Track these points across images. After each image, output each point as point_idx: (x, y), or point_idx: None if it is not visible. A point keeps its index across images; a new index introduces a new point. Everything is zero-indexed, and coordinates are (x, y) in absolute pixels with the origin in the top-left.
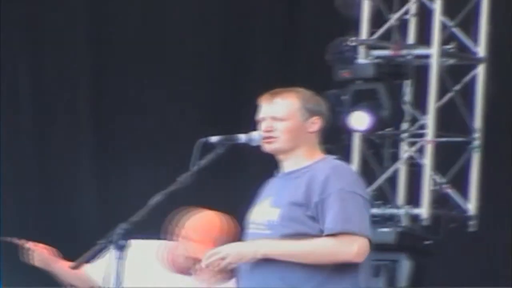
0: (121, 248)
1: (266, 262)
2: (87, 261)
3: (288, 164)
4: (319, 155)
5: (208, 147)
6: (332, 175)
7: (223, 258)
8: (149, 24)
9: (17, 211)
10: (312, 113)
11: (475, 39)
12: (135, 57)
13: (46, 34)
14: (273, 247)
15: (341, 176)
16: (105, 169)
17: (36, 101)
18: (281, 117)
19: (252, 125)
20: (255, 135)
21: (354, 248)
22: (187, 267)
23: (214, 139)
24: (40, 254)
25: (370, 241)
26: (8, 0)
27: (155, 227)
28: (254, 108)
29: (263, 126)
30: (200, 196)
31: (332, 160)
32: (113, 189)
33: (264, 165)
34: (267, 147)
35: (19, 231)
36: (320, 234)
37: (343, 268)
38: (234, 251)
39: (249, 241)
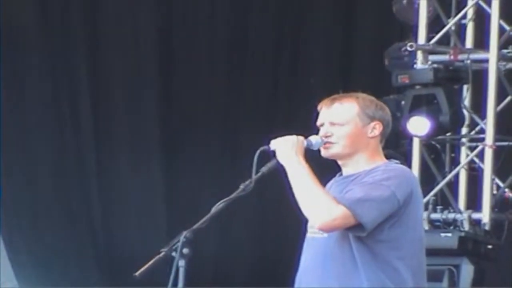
0: (184, 256)
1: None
2: (150, 269)
3: (348, 169)
4: (381, 160)
5: (268, 155)
6: (379, 169)
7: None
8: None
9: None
10: (372, 118)
11: None
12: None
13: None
14: (300, 166)
15: (386, 172)
16: (173, 178)
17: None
18: (339, 122)
19: (312, 131)
20: (315, 138)
21: (329, 218)
22: None
23: (274, 146)
24: None
25: (362, 225)
26: None
27: None
28: (314, 114)
29: (322, 131)
30: (261, 202)
31: (392, 164)
32: (182, 196)
33: (326, 169)
34: (325, 153)
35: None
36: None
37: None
38: (287, 140)
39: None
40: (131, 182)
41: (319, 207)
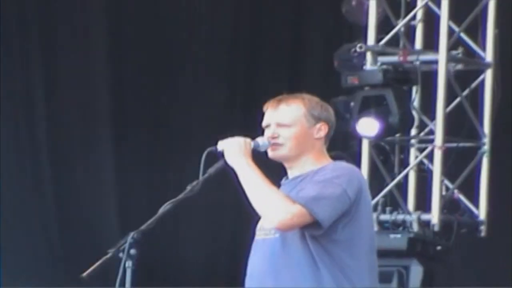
0: (131, 257)
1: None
2: (98, 270)
3: (294, 171)
4: (326, 161)
5: (216, 156)
6: (328, 168)
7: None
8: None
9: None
10: (317, 119)
11: (482, 44)
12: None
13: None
14: (250, 167)
15: (336, 170)
16: (124, 175)
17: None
18: (286, 124)
19: (259, 132)
20: (262, 140)
21: (286, 216)
22: None
23: (221, 147)
24: None
25: (318, 223)
26: None
27: None
28: (261, 115)
29: (268, 132)
30: (211, 204)
31: (339, 163)
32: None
33: (272, 171)
34: (273, 154)
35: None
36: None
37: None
38: (234, 142)
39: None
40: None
41: (275, 206)
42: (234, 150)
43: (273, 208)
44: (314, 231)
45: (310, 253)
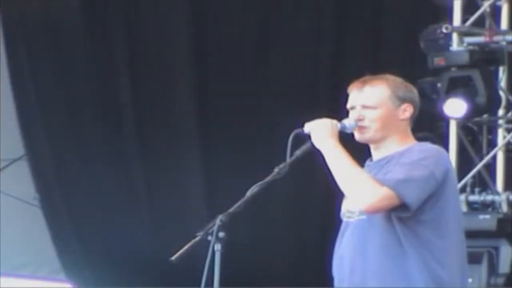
0: (220, 240)
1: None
2: (187, 253)
3: (379, 152)
4: (412, 142)
5: (302, 138)
6: (415, 149)
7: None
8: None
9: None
10: (402, 100)
11: None
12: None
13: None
14: (337, 149)
15: (423, 152)
16: (210, 159)
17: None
18: (371, 105)
19: (344, 113)
20: (348, 122)
21: (374, 199)
22: None
23: (308, 129)
24: None
25: (406, 206)
26: None
27: None
28: (345, 96)
29: (353, 114)
30: (298, 185)
31: (425, 144)
32: (217, 181)
33: (360, 152)
34: (359, 136)
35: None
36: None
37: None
38: (321, 124)
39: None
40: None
41: (363, 189)
42: (321, 132)
43: (361, 191)
44: (402, 213)
45: (396, 235)
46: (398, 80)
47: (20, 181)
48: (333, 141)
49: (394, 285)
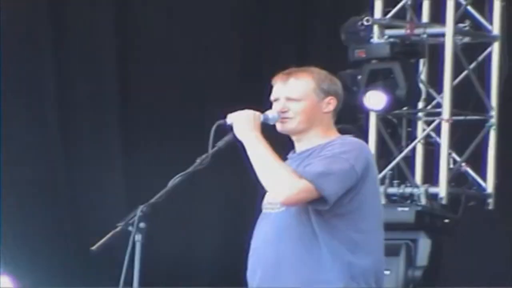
0: (140, 230)
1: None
2: (107, 244)
3: (302, 145)
4: (334, 135)
5: (225, 129)
6: (336, 142)
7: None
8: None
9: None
10: (327, 93)
11: (489, 17)
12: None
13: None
14: (258, 141)
15: (344, 145)
16: (130, 151)
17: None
18: (296, 98)
19: (266, 105)
20: (272, 113)
21: (292, 191)
22: None
23: (230, 120)
24: None
25: (324, 199)
26: None
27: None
28: (269, 88)
29: (277, 106)
30: (218, 178)
31: (346, 137)
32: (138, 171)
33: (280, 145)
34: (282, 128)
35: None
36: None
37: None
38: (243, 115)
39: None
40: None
41: (282, 181)
42: (243, 124)
43: (279, 183)
44: (319, 206)
45: (312, 227)
46: (323, 72)
47: None
48: (254, 133)
49: (308, 276)
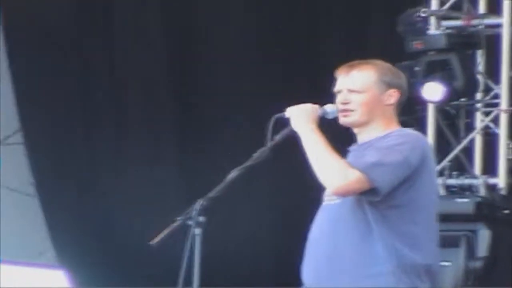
0: (200, 224)
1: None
2: (167, 238)
3: (363, 136)
4: (395, 127)
5: (283, 122)
6: (393, 134)
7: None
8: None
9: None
10: (389, 85)
11: None
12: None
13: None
14: (314, 134)
15: (400, 137)
16: (185, 145)
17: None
18: (358, 90)
19: (329, 98)
20: (330, 107)
21: (344, 182)
22: None
23: (288, 114)
24: None
25: (376, 190)
26: None
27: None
28: (330, 81)
29: (339, 98)
30: (278, 170)
31: (405, 130)
32: (194, 164)
33: (341, 138)
34: (344, 120)
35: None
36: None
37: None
38: (301, 108)
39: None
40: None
41: (333, 171)
42: (300, 117)
43: (331, 174)
44: (371, 197)
45: (366, 219)
46: (386, 65)
47: (17, 171)
48: (310, 125)
49: (362, 268)
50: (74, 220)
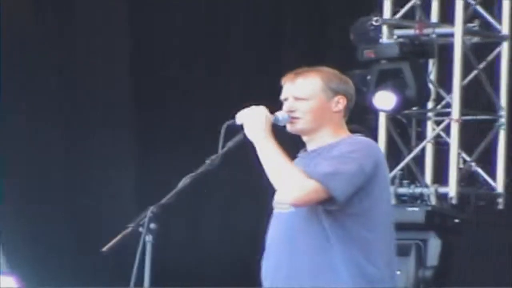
0: (151, 231)
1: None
2: (117, 245)
3: (312, 144)
4: (345, 134)
5: (235, 129)
6: (346, 142)
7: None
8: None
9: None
10: (336, 92)
11: (498, 17)
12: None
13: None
14: (269, 142)
15: (353, 145)
16: (141, 153)
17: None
18: (303, 97)
19: (279, 105)
20: (282, 114)
21: (302, 192)
22: None
23: (240, 120)
24: None
25: (334, 199)
26: None
27: None
28: (279, 88)
29: (286, 106)
30: (230, 177)
31: (357, 137)
32: (149, 172)
33: (292, 145)
34: (291, 128)
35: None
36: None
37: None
38: (254, 116)
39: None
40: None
41: (291, 182)
42: (255, 124)
43: (289, 184)
44: (329, 206)
45: (324, 228)
46: (331, 71)
47: None
48: (265, 133)
49: (321, 280)
50: (25, 223)
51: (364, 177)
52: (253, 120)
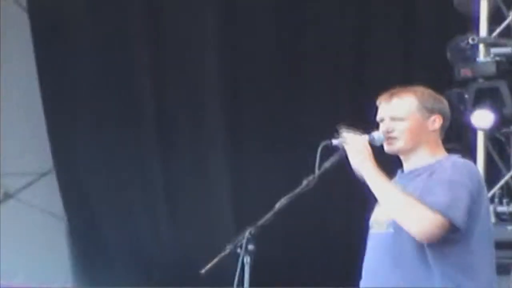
0: (249, 253)
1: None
2: (216, 266)
3: (410, 164)
4: (442, 154)
5: (331, 149)
6: (447, 165)
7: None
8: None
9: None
10: (431, 111)
11: None
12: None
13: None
14: (378, 172)
15: (457, 168)
16: (237, 172)
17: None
18: (400, 117)
19: (374, 125)
20: (377, 134)
21: (434, 230)
22: None
23: (336, 141)
24: None
25: (455, 226)
26: None
27: None
28: (374, 108)
29: (382, 127)
30: (327, 198)
31: (454, 158)
32: (247, 191)
33: (387, 165)
34: (389, 148)
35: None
36: None
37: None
38: (355, 143)
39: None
40: (196, 180)
41: (418, 218)
42: (358, 152)
43: (416, 220)
44: (452, 235)
45: (424, 251)
46: (426, 91)
47: (48, 195)
48: (370, 163)
49: None
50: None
51: (472, 201)
52: (356, 149)
